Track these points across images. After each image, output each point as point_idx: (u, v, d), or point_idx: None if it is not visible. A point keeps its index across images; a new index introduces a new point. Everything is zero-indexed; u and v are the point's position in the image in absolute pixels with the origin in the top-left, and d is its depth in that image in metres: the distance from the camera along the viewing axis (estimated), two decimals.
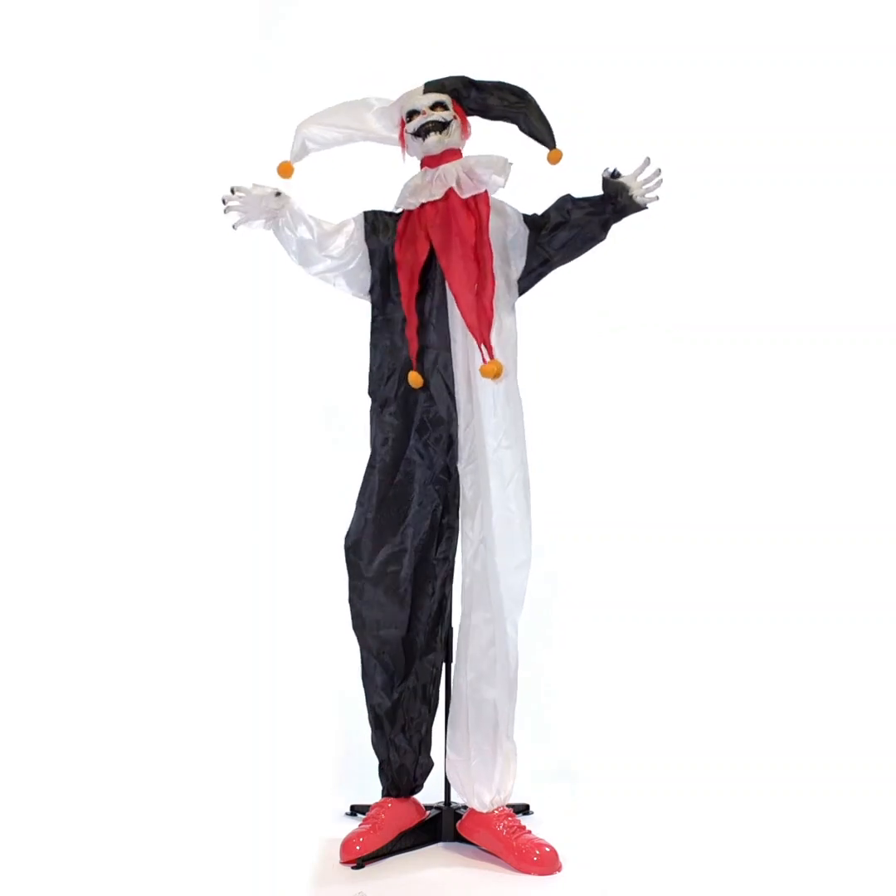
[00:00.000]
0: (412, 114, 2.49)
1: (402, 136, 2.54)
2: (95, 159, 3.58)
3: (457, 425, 2.44)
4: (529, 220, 2.55)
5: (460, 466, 2.45)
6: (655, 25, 3.62)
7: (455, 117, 2.49)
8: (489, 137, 2.54)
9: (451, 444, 2.44)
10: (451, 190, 2.43)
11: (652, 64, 3.58)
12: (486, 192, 2.46)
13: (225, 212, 2.40)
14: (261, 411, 3.62)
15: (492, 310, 2.40)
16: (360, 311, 2.61)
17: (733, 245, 3.63)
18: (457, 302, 2.40)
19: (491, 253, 2.42)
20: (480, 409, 2.43)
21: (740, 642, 3.43)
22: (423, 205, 2.46)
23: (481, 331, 2.38)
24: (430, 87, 2.50)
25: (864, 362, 3.65)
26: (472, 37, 3.47)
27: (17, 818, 2.61)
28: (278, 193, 2.40)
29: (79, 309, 3.60)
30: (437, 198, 2.44)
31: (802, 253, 3.65)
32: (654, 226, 2.62)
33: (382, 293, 2.51)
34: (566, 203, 2.51)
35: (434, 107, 2.47)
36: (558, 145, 2.41)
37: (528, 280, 2.56)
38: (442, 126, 2.46)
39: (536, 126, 2.43)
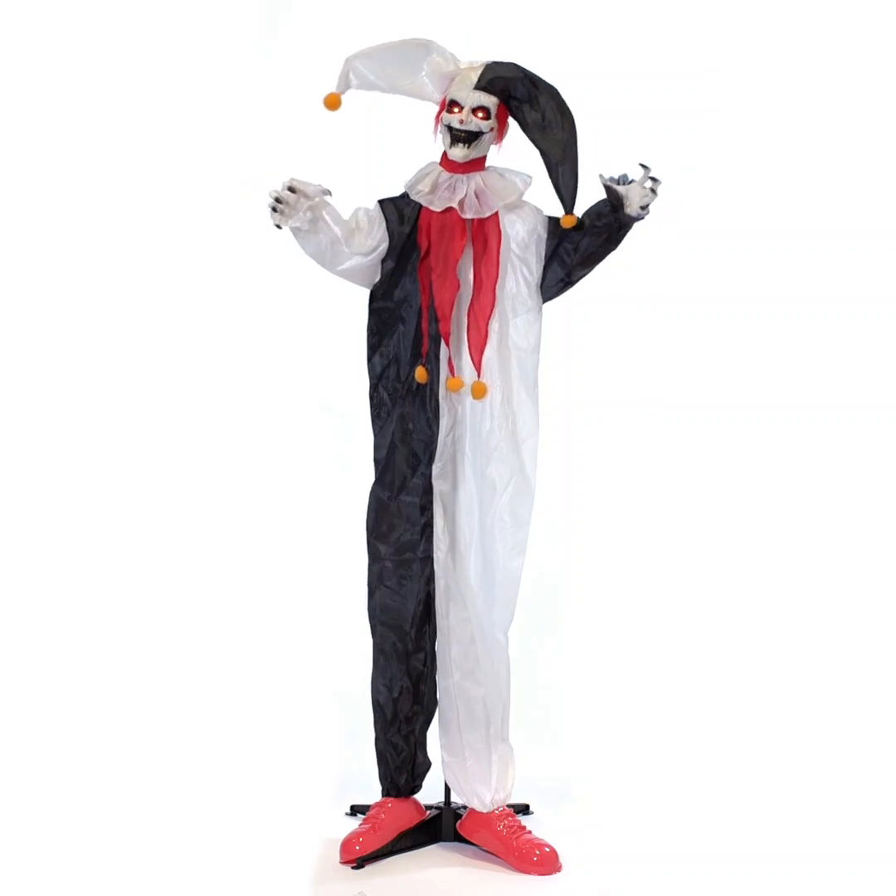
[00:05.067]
0: (453, 104, 2.35)
1: (438, 116, 2.41)
2: (96, 158, 3.59)
3: (435, 428, 2.41)
4: (554, 224, 2.43)
5: (434, 471, 2.42)
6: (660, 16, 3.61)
7: (492, 128, 2.36)
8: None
9: (431, 446, 2.43)
10: (451, 208, 2.36)
11: (656, 56, 3.57)
12: (497, 212, 2.38)
13: (276, 210, 2.26)
14: (259, 407, 3.62)
15: (486, 328, 2.36)
16: (353, 308, 2.57)
17: (739, 246, 3.63)
18: (436, 310, 2.37)
19: (496, 273, 2.37)
20: (465, 417, 2.40)
21: (742, 645, 3.44)
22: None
23: (470, 349, 2.36)
24: (486, 79, 2.30)
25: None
26: (472, 34, 3.46)
27: (18, 819, 2.61)
28: (328, 192, 2.32)
29: (78, 306, 3.61)
30: (437, 209, 2.37)
31: (803, 259, 3.65)
32: (661, 227, 2.59)
33: (392, 282, 2.44)
34: (600, 208, 2.37)
35: (476, 110, 2.33)
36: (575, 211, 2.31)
37: (555, 289, 2.46)
38: (474, 136, 2.34)
39: (562, 182, 2.29)
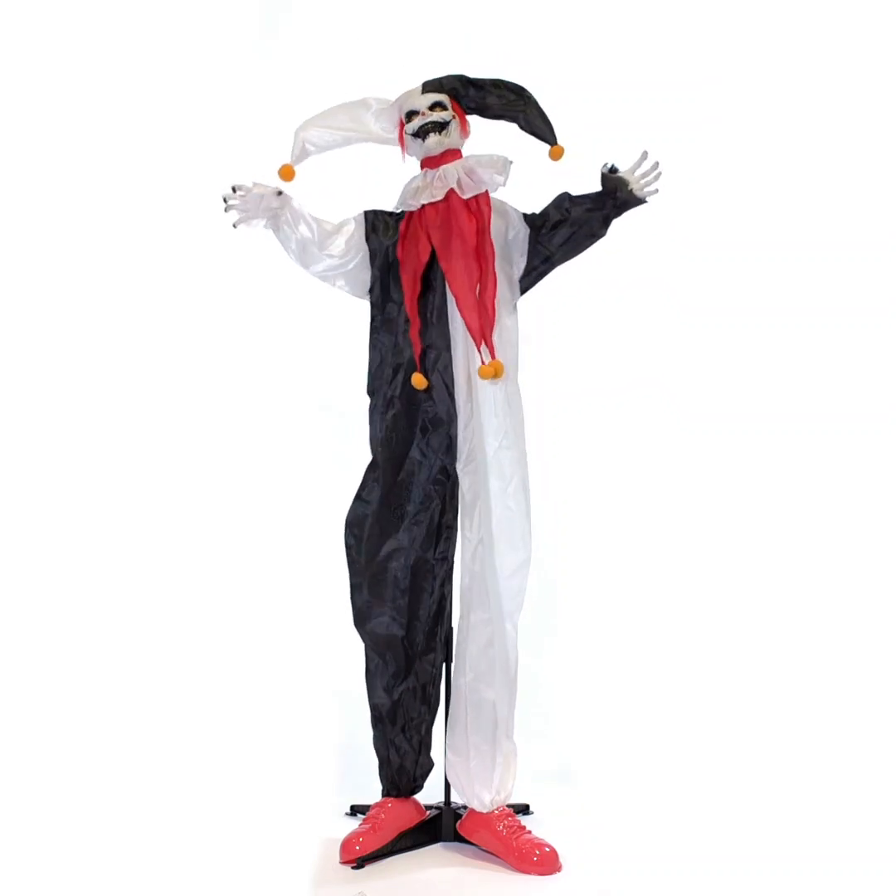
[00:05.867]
0: (411, 114, 2.48)
1: (401, 138, 2.53)
2: (96, 159, 3.59)
3: (456, 426, 2.44)
4: (529, 220, 2.54)
5: (459, 467, 2.45)
6: (653, 19, 3.62)
7: (454, 117, 2.48)
8: (489, 136, 2.52)
9: (450, 445, 2.44)
10: (451, 191, 2.43)
11: (648, 56, 3.59)
12: (487, 191, 2.46)
13: (226, 211, 2.39)
14: (257, 409, 3.62)
15: (494, 310, 2.40)
16: (353, 309, 2.60)
17: (734, 235, 3.64)
18: (457, 303, 2.40)
19: (493, 253, 2.42)
20: (480, 409, 2.43)
21: (741, 643, 3.44)
22: (423, 206, 2.46)
23: (483, 331, 2.38)
24: (429, 86, 2.49)
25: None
26: (472, 33, 3.47)
27: (20, 819, 2.61)
28: (279, 192, 2.40)
29: (77, 307, 3.61)
30: (438, 199, 2.43)
31: (804, 246, 3.66)
32: (653, 218, 2.61)
33: (382, 293, 2.50)
34: (564, 201, 2.51)
35: (433, 107, 2.46)
36: (560, 141, 2.40)
37: (529, 279, 2.55)
38: (441, 126, 2.46)
39: (536, 123, 2.42)
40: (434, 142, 2.46)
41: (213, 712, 3.14)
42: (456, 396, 2.43)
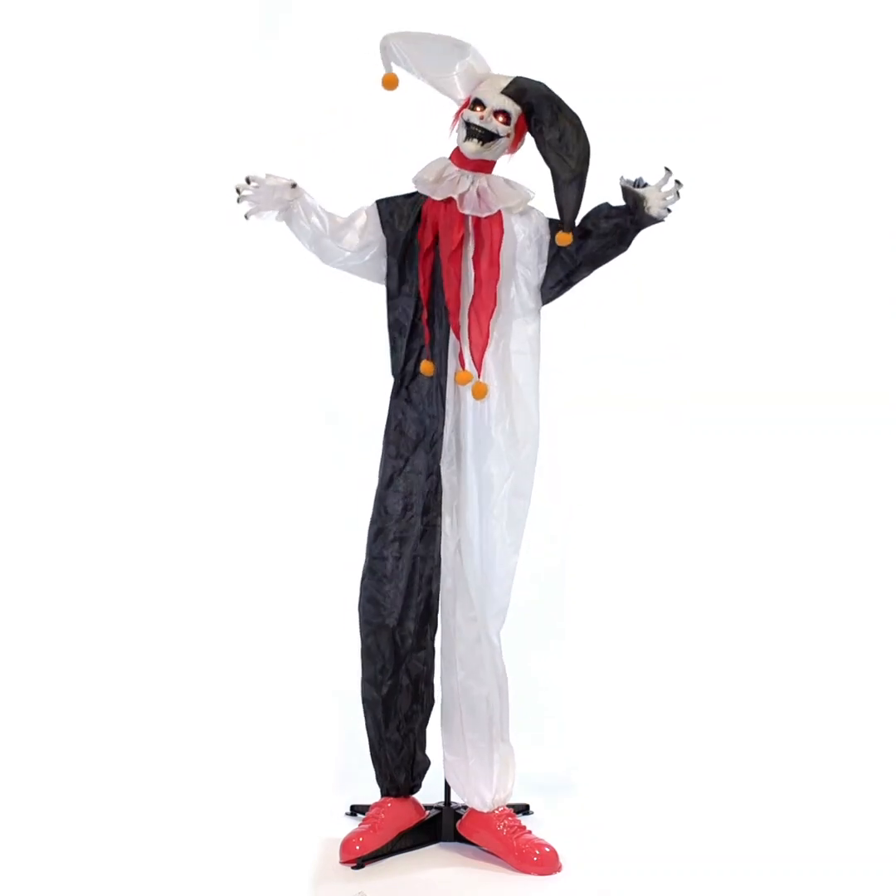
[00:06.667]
0: (477, 102, 2.38)
1: (458, 113, 2.44)
2: (96, 159, 3.59)
3: (444, 425, 2.43)
4: (555, 226, 2.42)
5: (443, 466, 2.44)
6: (652, 18, 3.62)
7: (509, 135, 2.38)
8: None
9: (437, 443, 2.44)
10: (452, 198, 2.39)
11: (647, 56, 3.58)
12: (500, 211, 2.39)
13: (238, 201, 2.36)
14: (259, 403, 3.62)
15: (487, 328, 2.37)
16: (355, 303, 2.58)
17: (739, 237, 3.64)
18: (447, 302, 2.38)
19: (496, 273, 2.37)
20: (468, 413, 2.41)
21: (742, 644, 3.44)
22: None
23: (471, 348, 2.37)
24: (510, 88, 2.35)
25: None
26: (472, 33, 3.46)
27: (19, 818, 2.61)
28: (293, 185, 2.38)
29: (77, 305, 3.60)
30: (438, 198, 2.41)
31: (811, 250, 3.66)
32: (665, 236, 2.60)
33: (400, 279, 2.47)
34: (600, 212, 2.41)
35: (498, 113, 2.36)
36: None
37: (556, 291, 2.48)
38: (489, 137, 2.37)
39: (568, 198, 2.31)
40: (471, 149, 2.38)
41: (213, 712, 3.13)
42: (447, 393, 2.42)
